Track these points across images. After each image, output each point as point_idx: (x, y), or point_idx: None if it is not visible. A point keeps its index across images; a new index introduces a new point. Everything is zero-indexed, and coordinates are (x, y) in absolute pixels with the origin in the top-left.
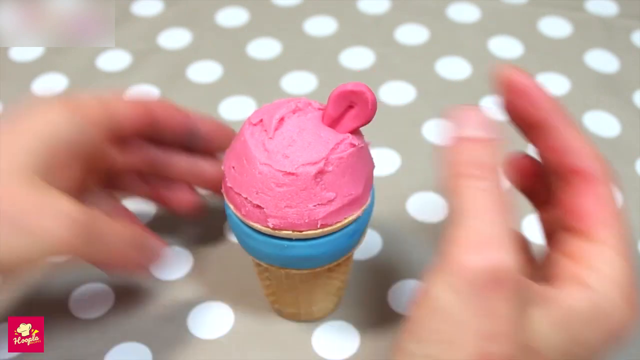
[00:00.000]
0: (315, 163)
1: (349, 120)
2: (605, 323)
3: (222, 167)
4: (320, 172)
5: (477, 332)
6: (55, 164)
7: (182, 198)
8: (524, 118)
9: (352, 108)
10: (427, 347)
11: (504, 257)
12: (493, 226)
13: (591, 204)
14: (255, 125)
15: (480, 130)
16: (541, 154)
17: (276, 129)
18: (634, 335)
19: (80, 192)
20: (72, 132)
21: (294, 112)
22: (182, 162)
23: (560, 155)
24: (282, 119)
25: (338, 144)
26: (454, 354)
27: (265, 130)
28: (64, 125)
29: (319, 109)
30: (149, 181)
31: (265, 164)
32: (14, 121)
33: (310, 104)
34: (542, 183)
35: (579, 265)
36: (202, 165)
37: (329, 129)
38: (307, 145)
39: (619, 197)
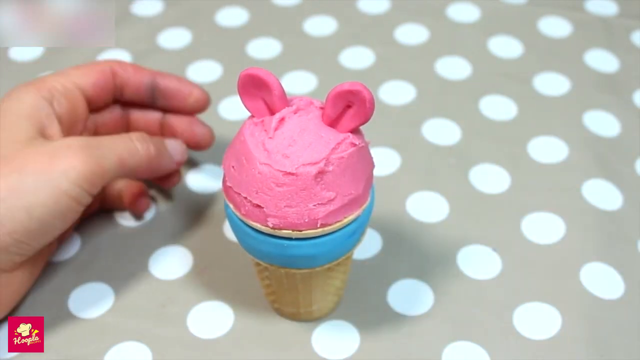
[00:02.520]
0: (315, 163)
1: (348, 120)
2: None
3: (222, 167)
4: (321, 172)
5: None
6: (40, 125)
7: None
8: None
9: (350, 107)
10: None
11: None
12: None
13: None
14: (255, 125)
15: None
16: None
17: (276, 129)
18: None
19: None
20: (44, 105)
21: (295, 112)
22: (151, 117)
23: None
24: (282, 119)
25: (339, 143)
26: None
27: (266, 130)
28: (35, 100)
29: (321, 107)
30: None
31: (264, 163)
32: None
33: (312, 102)
34: None
35: None
36: (171, 120)
37: (330, 128)
38: (308, 145)
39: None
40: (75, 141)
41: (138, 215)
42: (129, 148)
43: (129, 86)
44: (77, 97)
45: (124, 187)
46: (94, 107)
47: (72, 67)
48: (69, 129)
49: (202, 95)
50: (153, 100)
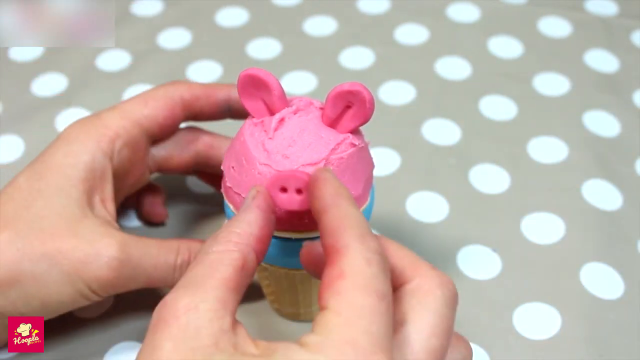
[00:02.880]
0: (315, 163)
1: (348, 120)
2: None
3: (222, 167)
4: None
5: None
6: (91, 190)
7: (154, 212)
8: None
9: (350, 108)
10: None
11: None
12: None
13: (326, 274)
14: (255, 125)
15: None
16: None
17: (276, 129)
18: None
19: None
20: (101, 161)
21: (294, 112)
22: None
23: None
24: (282, 120)
25: (339, 144)
26: None
27: (265, 131)
28: (92, 157)
29: (321, 108)
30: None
31: (264, 164)
32: (46, 161)
33: (312, 103)
34: None
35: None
36: None
37: (330, 128)
38: (308, 145)
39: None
40: (114, 251)
41: (153, 224)
42: (165, 275)
43: (202, 115)
44: (140, 143)
45: (143, 195)
46: (159, 140)
47: (138, 99)
48: (125, 177)
49: None
50: (230, 116)
